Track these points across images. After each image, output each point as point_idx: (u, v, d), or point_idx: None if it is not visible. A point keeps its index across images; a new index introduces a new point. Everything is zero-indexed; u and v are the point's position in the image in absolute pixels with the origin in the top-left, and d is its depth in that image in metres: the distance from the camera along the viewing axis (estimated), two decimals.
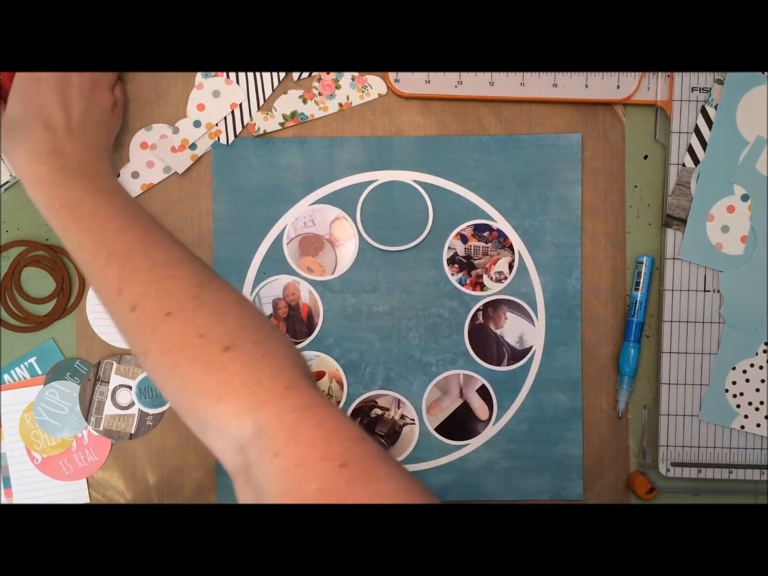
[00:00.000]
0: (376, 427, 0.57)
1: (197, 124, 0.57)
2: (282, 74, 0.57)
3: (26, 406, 0.57)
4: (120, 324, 0.44)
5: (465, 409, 0.58)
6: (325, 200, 0.57)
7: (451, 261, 0.57)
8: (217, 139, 0.57)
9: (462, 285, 0.57)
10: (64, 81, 0.50)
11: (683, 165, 0.56)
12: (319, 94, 0.57)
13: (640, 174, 0.58)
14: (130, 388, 0.57)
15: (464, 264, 0.57)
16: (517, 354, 0.57)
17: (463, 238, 0.57)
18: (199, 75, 0.57)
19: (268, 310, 0.57)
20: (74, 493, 0.58)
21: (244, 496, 0.40)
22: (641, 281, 0.57)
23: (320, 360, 0.57)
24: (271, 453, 0.38)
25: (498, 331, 0.57)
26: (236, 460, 0.40)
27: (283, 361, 0.41)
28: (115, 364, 0.57)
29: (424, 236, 0.57)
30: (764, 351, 0.56)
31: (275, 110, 0.57)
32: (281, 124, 0.57)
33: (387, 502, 0.36)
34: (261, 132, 0.57)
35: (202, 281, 0.44)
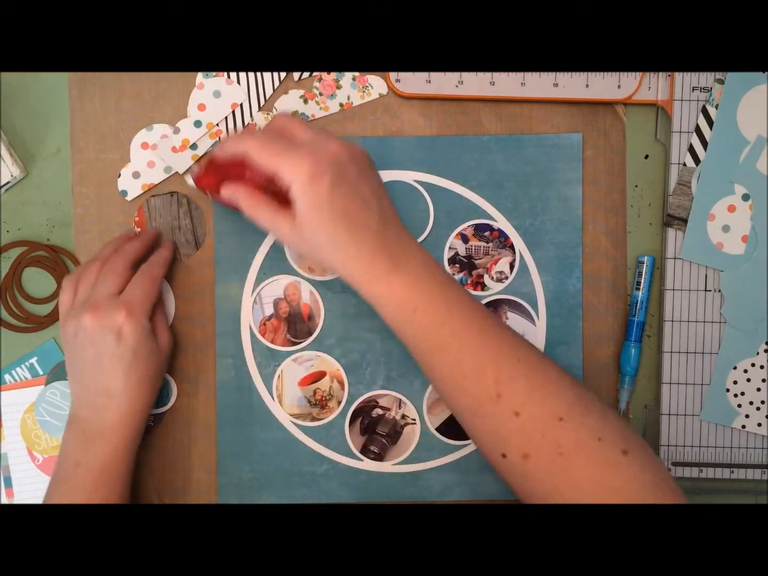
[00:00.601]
0: (378, 427, 0.57)
1: (198, 124, 0.57)
2: (283, 74, 0.57)
3: (27, 406, 0.57)
4: (490, 426, 0.45)
5: None
6: None
7: (452, 261, 0.57)
8: (218, 139, 0.57)
9: (463, 285, 0.57)
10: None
11: (684, 164, 0.56)
12: (320, 94, 0.57)
13: (640, 173, 0.58)
14: None
15: (465, 264, 0.57)
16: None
17: (464, 238, 0.57)
18: (199, 75, 0.57)
19: (269, 310, 0.57)
20: None
21: None
22: (642, 281, 0.57)
23: (321, 360, 0.57)
24: None
25: None
26: None
27: (662, 466, 0.45)
28: None
29: (425, 236, 0.57)
30: (765, 350, 0.56)
31: (276, 110, 0.57)
32: None
33: None
34: None
35: (573, 381, 0.46)
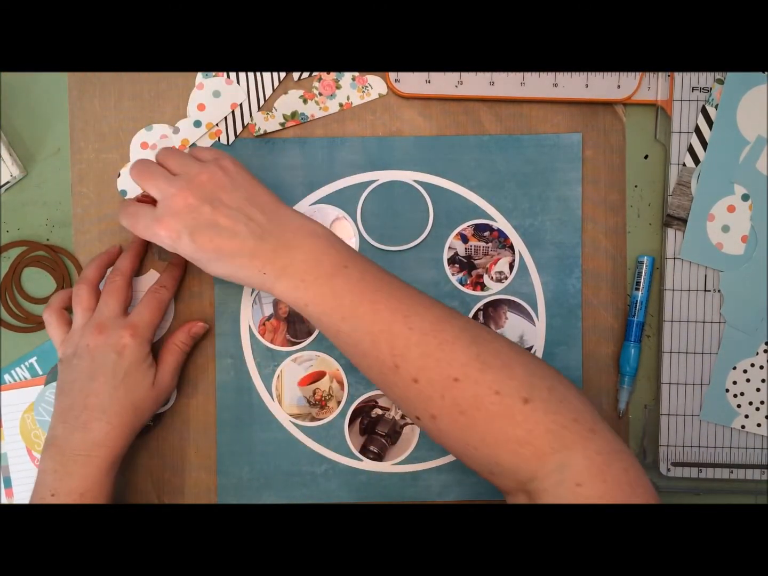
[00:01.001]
0: (377, 427, 0.57)
1: (197, 124, 0.57)
2: (282, 74, 0.57)
3: (27, 406, 0.57)
4: (397, 393, 0.47)
5: None
6: (326, 200, 0.57)
7: (452, 261, 0.57)
8: (217, 139, 0.57)
9: (462, 285, 0.57)
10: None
11: (684, 165, 0.56)
12: (320, 94, 0.57)
13: (640, 174, 0.58)
14: None
15: (465, 264, 0.57)
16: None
17: (464, 238, 0.57)
18: (199, 75, 0.57)
19: (268, 310, 0.57)
20: None
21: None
22: (642, 281, 0.57)
23: (321, 360, 0.57)
24: (573, 483, 0.41)
25: (499, 331, 0.57)
26: (520, 488, 0.44)
27: (580, 405, 0.44)
28: None
29: (425, 236, 0.57)
30: (765, 351, 0.56)
31: (276, 110, 0.57)
32: (282, 124, 0.57)
33: None
34: (261, 132, 0.57)
35: (473, 337, 0.46)
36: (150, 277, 0.57)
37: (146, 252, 0.57)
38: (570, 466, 0.42)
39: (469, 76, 0.56)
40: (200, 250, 0.47)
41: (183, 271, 0.56)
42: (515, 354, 0.46)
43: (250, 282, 0.48)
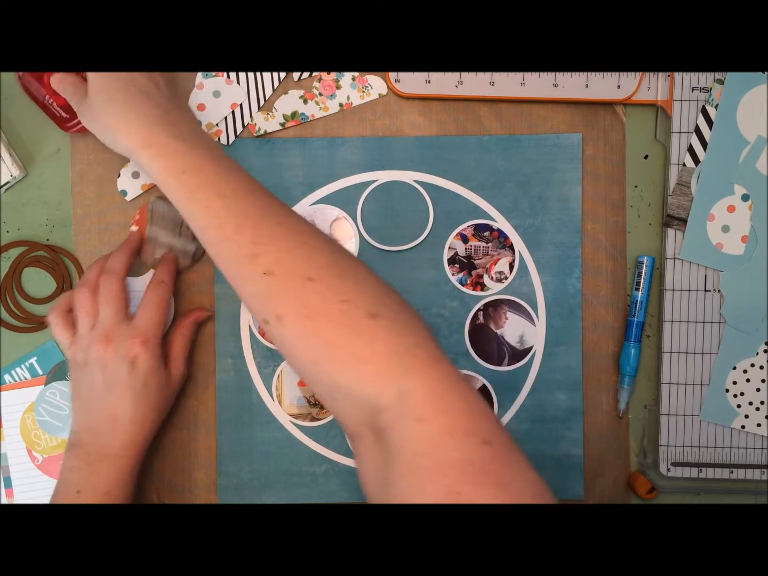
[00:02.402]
0: None
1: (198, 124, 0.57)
2: (282, 74, 0.57)
3: (27, 406, 0.57)
4: (247, 289, 0.45)
5: None
6: (326, 200, 0.57)
7: (452, 261, 0.57)
8: (217, 139, 0.57)
9: (462, 285, 0.57)
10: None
11: (684, 165, 0.56)
12: (320, 94, 0.57)
13: (640, 174, 0.58)
14: None
15: (465, 264, 0.57)
16: (518, 354, 0.57)
17: (464, 238, 0.57)
18: (199, 75, 0.57)
19: None
20: None
21: (370, 455, 0.42)
22: (642, 281, 0.57)
23: None
24: (414, 418, 0.39)
25: (498, 331, 0.57)
26: (365, 422, 0.42)
27: (424, 332, 0.43)
28: None
29: (425, 236, 0.57)
30: (765, 351, 0.56)
31: (276, 110, 0.57)
32: (282, 124, 0.57)
33: (528, 491, 0.38)
34: (261, 132, 0.57)
35: (337, 249, 0.45)
36: (149, 278, 0.57)
37: (140, 250, 0.56)
38: (409, 396, 0.40)
39: (469, 76, 0.56)
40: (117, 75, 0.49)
41: (176, 263, 0.56)
42: (371, 274, 0.45)
43: (131, 131, 0.47)
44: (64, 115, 0.54)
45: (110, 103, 0.48)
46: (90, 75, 0.49)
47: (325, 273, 0.43)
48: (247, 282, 0.45)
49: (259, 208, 0.45)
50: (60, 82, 0.52)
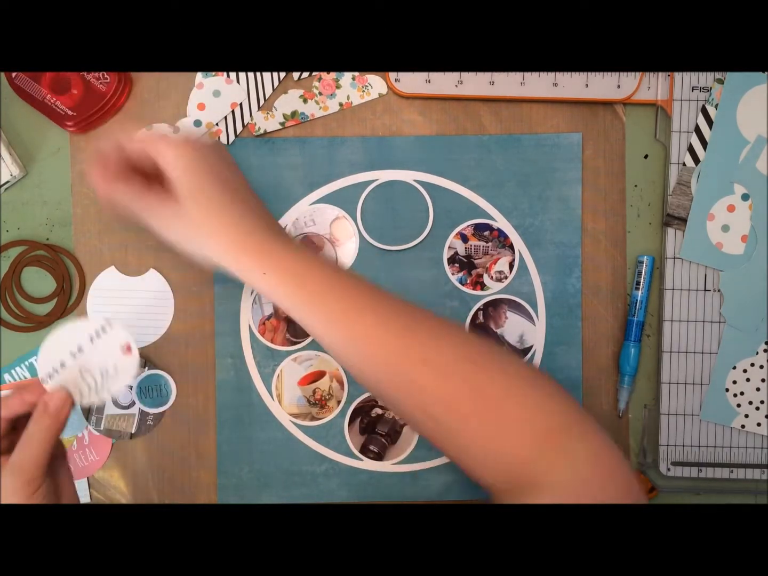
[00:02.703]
0: (377, 427, 0.57)
1: (198, 123, 0.57)
2: (282, 74, 0.57)
3: None
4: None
5: None
6: (326, 200, 0.57)
7: (452, 260, 0.57)
8: (217, 138, 0.57)
9: (462, 284, 0.57)
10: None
11: (684, 164, 0.56)
12: (320, 93, 0.57)
13: (640, 173, 0.58)
14: (130, 387, 0.57)
15: (464, 263, 0.57)
16: (518, 353, 0.57)
17: (464, 238, 0.57)
18: (199, 75, 0.57)
19: (268, 310, 0.57)
20: None
21: None
22: (642, 280, 0.57)
23: (321, 359, 0.57)
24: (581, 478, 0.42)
25: (498, 331, 0.57)
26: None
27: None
28: None
29: (425, 236, 0.57)
30: (764, 350, 0.56)
31: (275, 110, 0.57)
32: (281, 124, 0.57)
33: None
34: (261, 131, 0.57)
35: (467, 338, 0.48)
36: (149, 277, 0.57)
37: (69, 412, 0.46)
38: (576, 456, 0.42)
39: (469, 76, 0.56)
40: (211, 175, 0.47)
41: (67, 404, 0.45)
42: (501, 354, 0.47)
43: (230, 242, 0.46)
44: (69, 113, 0.54)
45: (205, 203, 0.46)
46: (174, 177, 0.46)
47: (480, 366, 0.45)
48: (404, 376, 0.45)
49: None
50: (122, 193, 0.47)
